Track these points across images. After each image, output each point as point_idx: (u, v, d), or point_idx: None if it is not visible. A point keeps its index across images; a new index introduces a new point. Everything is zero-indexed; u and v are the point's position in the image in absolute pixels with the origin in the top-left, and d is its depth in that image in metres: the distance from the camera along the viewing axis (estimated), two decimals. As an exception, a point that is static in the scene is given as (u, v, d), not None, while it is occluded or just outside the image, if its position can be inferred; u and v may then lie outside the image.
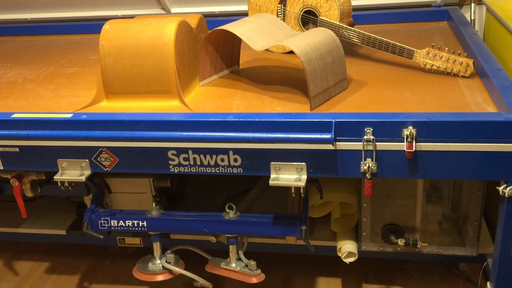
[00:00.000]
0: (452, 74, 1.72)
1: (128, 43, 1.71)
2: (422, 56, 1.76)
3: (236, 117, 1.42)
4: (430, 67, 1.75)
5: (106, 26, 1.75)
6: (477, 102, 1.53)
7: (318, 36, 1.64)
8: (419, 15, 2.36)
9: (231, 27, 1.70)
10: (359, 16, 2.39)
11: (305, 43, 1.58)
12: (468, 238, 1.62)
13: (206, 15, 2.59)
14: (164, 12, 2.62)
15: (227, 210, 1.63)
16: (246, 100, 1.70)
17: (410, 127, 1.32)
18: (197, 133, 1.41)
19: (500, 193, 1.34)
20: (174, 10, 2.61)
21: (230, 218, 1.61)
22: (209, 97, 1.76)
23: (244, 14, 2.40)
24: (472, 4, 2.15)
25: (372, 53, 2.02)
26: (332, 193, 1.71)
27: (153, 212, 1.67)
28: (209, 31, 1.76)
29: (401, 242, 1.61)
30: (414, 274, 1.94)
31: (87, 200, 1.91)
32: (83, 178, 1.51)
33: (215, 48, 1.84)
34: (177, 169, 1.49)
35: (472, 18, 2.14)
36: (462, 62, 1.69)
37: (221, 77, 1.92)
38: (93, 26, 2.66)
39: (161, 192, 1.89)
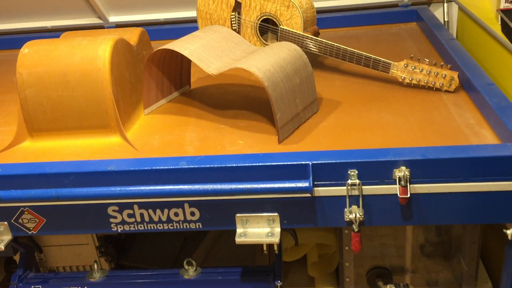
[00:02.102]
0: (434, 88, 1.52)
1: (53, 70, 1.40)
2: (400, 70, 1.54)
3: (191, 163, 1.15)
4: (409, 81, 1.54)
5: (24, 50, 1.43)
6: (469, 124, 1.32)
7: (282, 53, 1.39)
8: (385, 17, 2.15)
9: (178, 46, 1.43)
10: (319, 20, 2.15)
11: (268, 64, 1.32)
12: (465, 277, 1.42)
13: (150, 23, 2.31)
14: (101, 22, 2.29)
15: (186, 267, 1.36)
16: (201, 132, 1.43)
17: (403, 167, 1.09)
18: (142, 188, 1.13)
19: (509, 237, 1.14)
20: (112, 18, 2.29)
21: (190, 277, 1.35)
22: (156, 129, 1.48)
23: (192, 21, 2.12)
24: (445, 4, 1.95)
25: (340, 64, 1.79)
26: (307, 234, 1.47)
27: (95, 275, 1.38)
28: (152, 52, 1.47)
29: (390, 288, 1.40)
30: (400, 311, 1.74)
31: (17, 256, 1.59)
32: (2, 247, 1.21)
33: (160, 69, 1.56)
34: (120, 227, 1.21)
35: (446, 19, 1.94)
36: (445, 75, 1.48)
37: (170, 101, 1.64)
38: (18, 40, 2.30)
39: (107, 240, 1.61)
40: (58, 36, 2.25)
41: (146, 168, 1.15)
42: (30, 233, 1.23)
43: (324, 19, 2.16)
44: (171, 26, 2.26)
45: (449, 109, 1.41)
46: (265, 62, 1.33)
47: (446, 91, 1.50)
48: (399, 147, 1.16)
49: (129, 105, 1.52)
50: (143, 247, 1.73)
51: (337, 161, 1.11)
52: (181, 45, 1.43)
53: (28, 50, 1.43)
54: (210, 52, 1.43)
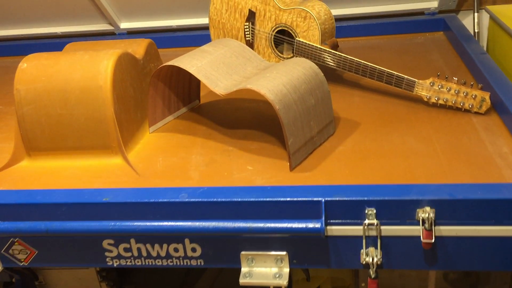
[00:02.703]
0: (463, 109, 1.39)
1: (52, 87, 1.32)
2: (425, 89, 1.41)
3: (192, 195, 1.05)
4: (435, 101, 1.41)
5: (23, 65, 1.35)
6: (503, 154, 1.19)
7: (296, 72, 1.28)
8: (410, 25, 2.02)
9: (184, 62, 1.33)
10: (339, 28, 2.03)
11: (280, 84, 1.21)
12: (493, 320, 1.29)
13: (162, 30, 2.22)
14: (112, 28, 2.21)
15: (189, 301, 1.27)
16: (207, 154, 1.33)
17: (427, 208, 0.97)
18: (138, 223, 1.04)
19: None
20: (123, 25, 2.21)
21: (193, 312, 1.25)
22: (161, 150, 1.38)
23: (206, 28, 2.02)
24: (476, 14, 1.80)
25: (360, 79, 1.66)
26: (320, 265, 1.36)
27: (94, 306, 1.29)
28: (158, 68, 1.38)
29: (411, 331, 1.28)
30: None
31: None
32: (-9, 279, 1.13)
33: (167, 84, 1.46)
34: (116, 262, 1.12)
35: (476, 30, 1.80)
36: (475, 95, 1.35)
37: (178, 118, 1.55)
38: (28, 46, 2.24)
39: (109, 264, 1.52)
40: (67, 43, 2.20)
41: (144, 200, 1.06)
42: (21, 264, 1.15)
43: (345, 28, 2.04)
44: (184, 34, 2.16)
45: (479, 135, 1.29)
46: (277, 82, 1.22)
47: (476, 112, 1.37)
48: (423, 184, 1.04)
49: (133, 123, 1.43)
50: (147, 270, 1.65)
51: (354, 198, 1.00)
52: (188, 61, 1.33)
53: (27, 65, 1.35)
54: (219, 69, 1.33)
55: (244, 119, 1.50)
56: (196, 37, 2.12)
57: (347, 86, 1.64)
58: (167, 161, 1.33)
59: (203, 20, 2.15)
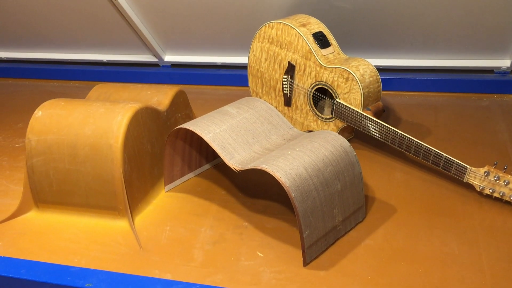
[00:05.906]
0: (523, 207, 1.17)
1: (62, 140, 1.24)
2: (478, 178, 1.21)
3: (179, 295, 0.93)
4: (489, 193, 1.20)
5: (38, 113, 1.29)
6: None
7: (323, 150, 1.12)
8: (476, 84, 1.79)
9: (201, 126, 1.21)
10: (394, 80, 1.85)
11: (301, 166, 1.06)
12: None
13: (206, 66, 2.13)
14: (156, 60, 2.15)
15: None
16: (218, 229, 1.20)
17: None
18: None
19: None
20: (168, 58, 2.14)
21: None
22: (171, 216, 1.27)
23: (250, 68, 1.90)
24: (553, 84, 1.55)
25: (407, 148, 1.48)
26: None
27: None
28: (174, 129, 1.26)
29: None
30: None
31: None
32: None
33: (187, 142, 1.35)
34: None
35: (552, 102, 1.55)
36: (539, 194, 1.13)
37: (198, 176, 1.43)
38: (75, 72, 2.23)
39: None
40: (111, 71, 2.16)
41: (127, 293, 0.94)
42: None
43: (401, 81, 1.85)
44: (227, 72, 2.05)
45: (538, 246, 1.07)
46: (298, 162, 1.07)
47: (539, 213, 1.15)
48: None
49: (147, 181, 1.33)
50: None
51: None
52: (206, 126, 1.20)
53: (42, 113, 1.28)
54: (238, 137, 1.19)
55: (268, 186, 1.36)
56: (239, 76, 2.01)
57: (390, 157, 1.45)
58: (174, 231, 1.21)
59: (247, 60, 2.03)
